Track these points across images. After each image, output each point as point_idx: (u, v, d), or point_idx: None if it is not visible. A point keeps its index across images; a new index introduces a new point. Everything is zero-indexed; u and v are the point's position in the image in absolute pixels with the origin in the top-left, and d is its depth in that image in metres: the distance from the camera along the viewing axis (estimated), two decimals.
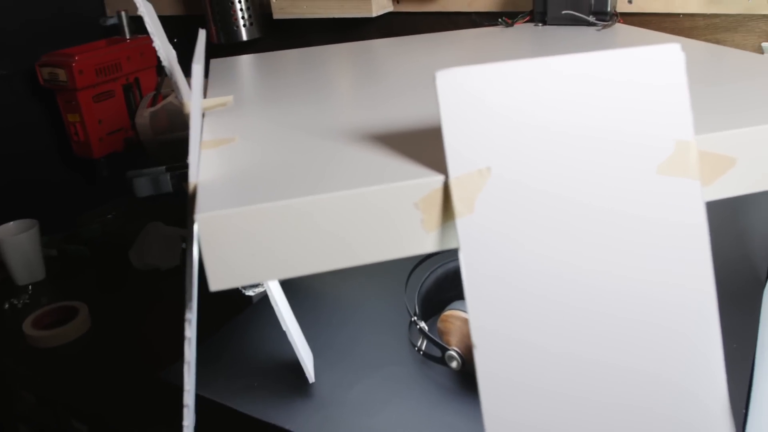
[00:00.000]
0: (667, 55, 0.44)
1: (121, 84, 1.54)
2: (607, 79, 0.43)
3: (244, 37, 1.41)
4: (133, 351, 1.00)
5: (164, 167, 0.94)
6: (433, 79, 0.41)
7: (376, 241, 0.42)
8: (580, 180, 0.43)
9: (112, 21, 1.75)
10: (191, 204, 0.44)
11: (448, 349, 0.70)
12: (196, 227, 0.44)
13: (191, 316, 0.48)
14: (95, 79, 1.46)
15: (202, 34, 0.54)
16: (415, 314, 0.76)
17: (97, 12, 1.76)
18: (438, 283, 0.84)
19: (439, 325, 0.73)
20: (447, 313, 0.72)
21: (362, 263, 0.43)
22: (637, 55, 0.44)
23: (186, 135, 1.64)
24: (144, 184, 0.93)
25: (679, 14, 1.02)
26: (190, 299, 0.48)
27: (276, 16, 1.33)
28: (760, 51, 0.96)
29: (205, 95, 0.73)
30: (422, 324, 0.74)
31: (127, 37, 1.59)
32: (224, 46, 1.43)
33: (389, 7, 1.27)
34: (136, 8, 1.94)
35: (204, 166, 0.49)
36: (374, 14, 1.22)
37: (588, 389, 0.44)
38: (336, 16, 1.26)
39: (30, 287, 1.35)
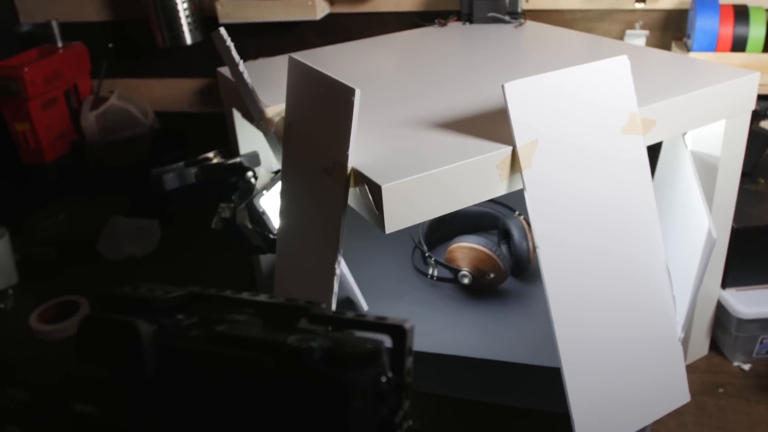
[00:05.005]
0: (621, 63, 0.74)
1: (62, 90, 1.62)
2: (592, 79, 0.72)
3: (189, 41, 1.55)
4: None
5: (182, 162, 1.11)
6: (503, 88, 0.67)
7: (474, 190, 0.69)
8: (583, 141, 0.72)
9: (26, 28, 1.79)
10: (344, 179, 0.68)
11: (461, 270, 0.97)
12: (365, 192, 0.68)
13: (341, 258, 0.72)
14: (43, 87, 1.53)
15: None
16: (426, 249, 1.03)
17: (9, 20, 1.78)
18: (431, 228, 1.11)
19: (448, 255, 1.00)
20: (454, 245, 0.99)
21: (466, 205, 0.69)
22: (605, 64, 0.73)
23: (130, 135, 1.78)
24: (172, 179, 1.09)
25: (563, 10, 1.36)
26: (341, 246, 0.72)
27: (222, 20, 1.49)
28: (622, 36, 1.32)
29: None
30: (434, 257, 1.02)
31: (59, 44, 1.66)
32: (170, 49, 1.57)
33: (327, 9, 1.48)
34: (62, 15, 2.00)
35: None
36: (318, 17, 1.43)
37: (601, 264, 0.74)
38: (282, 20, 1.45)
39: (10, 291, 1.43)
